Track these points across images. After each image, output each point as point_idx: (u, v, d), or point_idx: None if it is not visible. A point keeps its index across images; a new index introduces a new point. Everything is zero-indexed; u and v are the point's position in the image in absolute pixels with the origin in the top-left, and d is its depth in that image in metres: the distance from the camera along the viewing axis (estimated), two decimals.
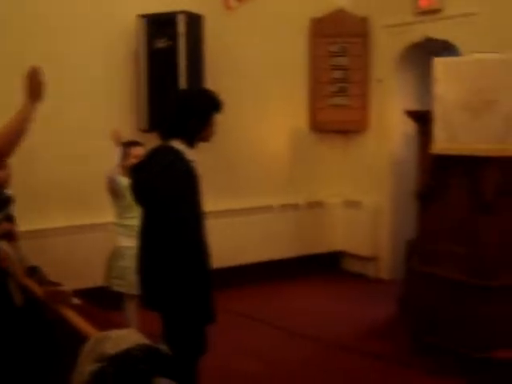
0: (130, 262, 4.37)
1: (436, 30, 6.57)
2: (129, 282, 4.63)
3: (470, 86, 4.44)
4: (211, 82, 5.91)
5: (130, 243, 4.45)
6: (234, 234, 6.70)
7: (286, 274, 7.04)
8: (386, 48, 7.11)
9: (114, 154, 4.79)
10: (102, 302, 4.02)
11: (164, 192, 3.46)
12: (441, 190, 4.93)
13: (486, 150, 4.42)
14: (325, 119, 7.36)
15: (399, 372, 4.80)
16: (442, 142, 4.59)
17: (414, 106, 6.83)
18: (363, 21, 7.27)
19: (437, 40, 6.57)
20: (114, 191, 4.83)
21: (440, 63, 4.60)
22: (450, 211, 4.88)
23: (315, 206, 7.43)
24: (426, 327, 5.02)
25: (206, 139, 3.69)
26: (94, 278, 5.22)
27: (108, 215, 5.08)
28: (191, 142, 3.61)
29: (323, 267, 7.41)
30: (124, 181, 4.67)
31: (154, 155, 3.61)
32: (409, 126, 5.69)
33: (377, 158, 7.21)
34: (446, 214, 4.91)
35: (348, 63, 7.30)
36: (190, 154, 3.58)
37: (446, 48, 6.55)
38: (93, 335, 2.79)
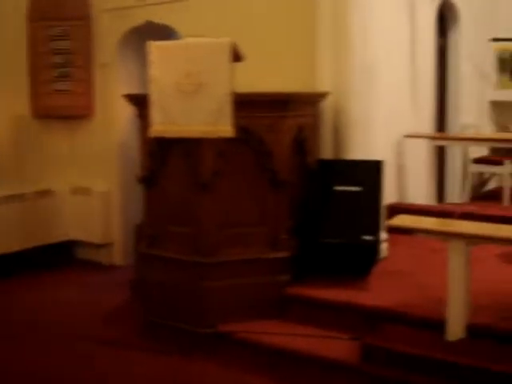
0: None
1: (157, 14, 6.62)
2: None
3: (183, 69, 4.51)
4: None
5: None
6: None
7: (15, 268, 6.71)
8: (109, 32, 7.02)
9: None
10: None
11: None
12: (162, 173, 5.01)
13: (200, 132, 4.53)
14: (48, 105, 7.10)
15: (133, 355, 4.81)
16: (159, 125, 4.62)
17: (138, 90, 6.85)
18: (85, 3, 7.09)
19: (158, 24, 6.64)
20: None
21: (154, 47, 4.62)
22: (172, 193, 4.97)
23: (43, 195, 7.14)
24: (158, 309, 5.08)
25: None
26: None
27: None
28: None
29: (56, 258, 7.18)
30: None
31: None
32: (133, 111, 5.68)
33: (104, 144, 7.12)
34: (168, 196, 5.00)
35: (70, 47, 7.07)
36: None
37: (167, 32, 6.63)
38: None
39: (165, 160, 4.96)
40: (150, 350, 4.85)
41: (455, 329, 4.06)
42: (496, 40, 7.83)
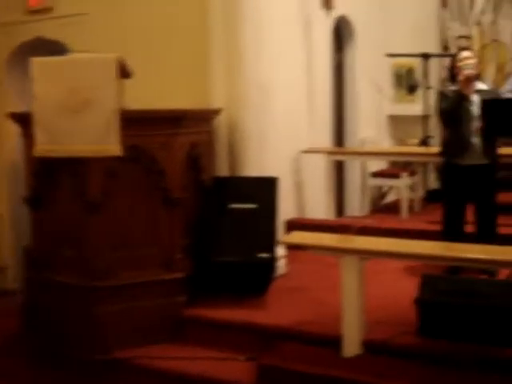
0: None
1: (48, 29, 6.42)
2: None
3: (67, 85, 4.36)
4: None
5: None
6: None
7: None
8: None
9: None
10: None
11: None
12: (49, 194, 4.81)
13: (86, 151, 4.37)
14: None
15: None
16: (44, 144, 4.44)
17: (28, 108, 6.61)
18: None
19: (49, 40, 6.42)
20: None
21: (37, 63, 4.48)
22: (60, 215, 4.78)
23: None
24: (50, 337, 4.85)
25: None
26: None
27: None
28: None
29: None
30: None
31: None
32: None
33: None
34: (56, 217, 4.81)
35: None
36: None
37: (59, 48, 6.42)
38: None
39: (51, 180, 4.76)
40: (42, 381, 4.63)
41: (351, 345, 4.04)
42: (391, 56, 7.95)
